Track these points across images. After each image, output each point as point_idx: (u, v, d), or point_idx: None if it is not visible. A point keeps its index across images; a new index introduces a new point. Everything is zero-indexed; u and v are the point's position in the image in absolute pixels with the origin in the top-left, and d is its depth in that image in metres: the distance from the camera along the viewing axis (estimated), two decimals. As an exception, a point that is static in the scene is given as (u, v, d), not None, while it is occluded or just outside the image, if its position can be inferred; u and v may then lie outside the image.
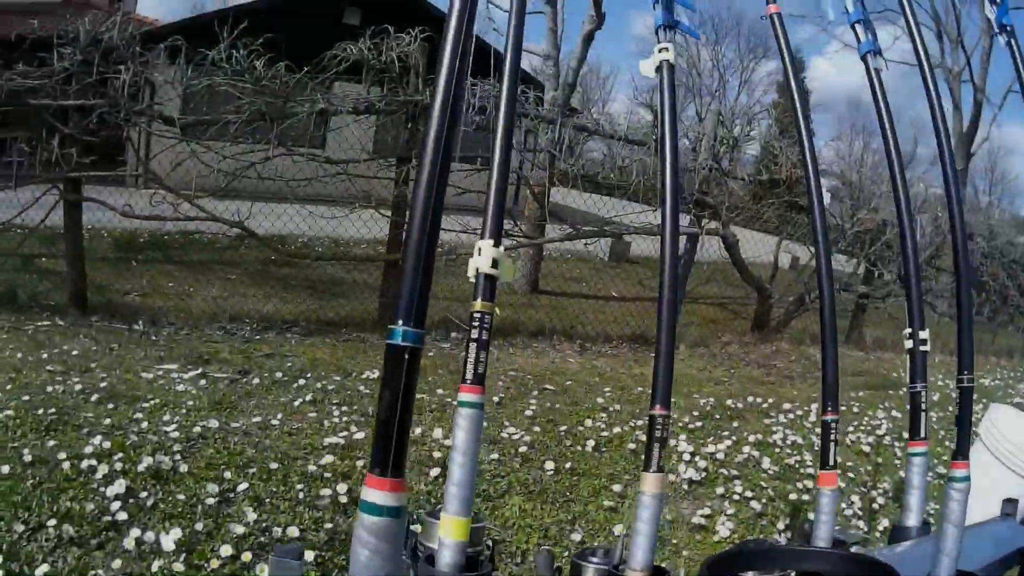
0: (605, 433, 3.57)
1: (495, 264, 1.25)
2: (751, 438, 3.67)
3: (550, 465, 3.14)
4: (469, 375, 1.22)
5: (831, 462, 1.51)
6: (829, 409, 1.91)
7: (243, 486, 2.67)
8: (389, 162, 5.81)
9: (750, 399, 4.37)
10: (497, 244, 1.27)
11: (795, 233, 6.73)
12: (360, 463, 2.98)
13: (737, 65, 39.24)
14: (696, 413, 4.02)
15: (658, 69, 1.57)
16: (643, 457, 1.24)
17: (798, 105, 1.69)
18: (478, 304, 1.25)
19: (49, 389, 3.28)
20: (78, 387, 3.34)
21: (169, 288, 6.03)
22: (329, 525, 2.56)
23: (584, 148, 6.08)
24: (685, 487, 3.09)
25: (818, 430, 3.58)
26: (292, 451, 3.02)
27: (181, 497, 2.54)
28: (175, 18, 16.11)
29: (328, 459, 2.95)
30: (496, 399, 3.96)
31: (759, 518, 2.90)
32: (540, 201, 6.19)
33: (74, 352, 3.88)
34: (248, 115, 5.21)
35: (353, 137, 6.02)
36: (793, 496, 3.08)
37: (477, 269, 1.30)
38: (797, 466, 3.42)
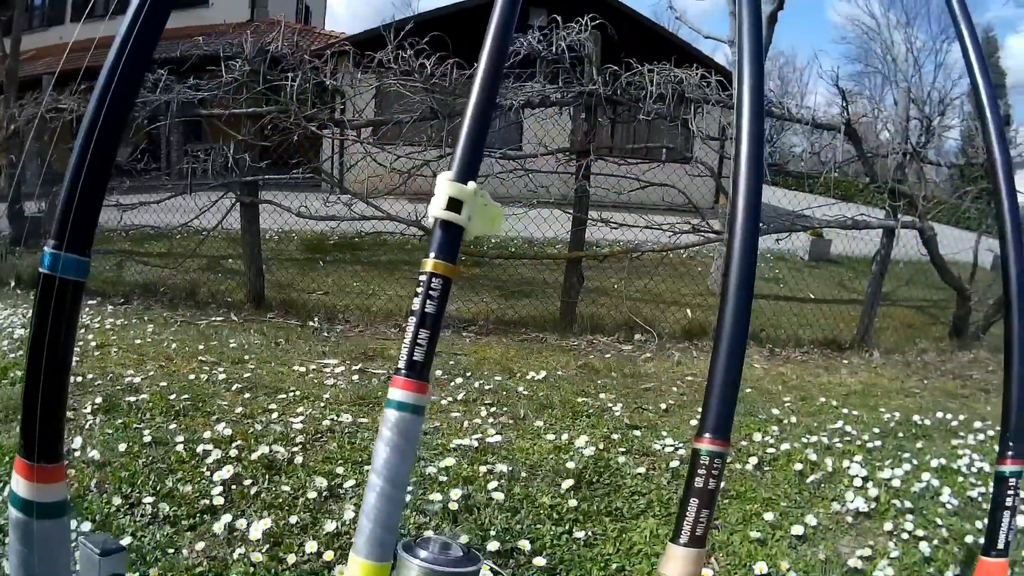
0: (772, 449, 3.11)
1: (454, 206, 0.94)
2: (933, 463, 3.05)
3: (701, 484, 2.73)
4: (403, 363, 0.90)
5: (1001, 544, 1.01)
6: (1010, 455, 1.23)
7: (351, 483, 2.56)
8: (568, 156, 5.65)
9: (939, 415, 3.75)
10: (463, 180, 0.95)
11: (996, 228, 5.78)
12: (483, 468, 2.77)
13: (931, 47, 35.83)
14: (878, 430, 3.45)
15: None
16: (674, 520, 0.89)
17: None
18: (428, 262, 0.94)
19: (192, 377, 3.41)
20: (222, 377, 3.45)
21: (353, 287, 6.22)
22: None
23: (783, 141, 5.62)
24: (849, 519, 2.56)
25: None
26: (419, 451, 2.88)
27: (286, 488, 2.48)
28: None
29: (449, 461, 2.77)
30: (663, 407, 3.63)
31: (926, 564, 2.31)
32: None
33: (232, 344, 4.04)
34: (419, 114, 5.25)
35: (530, 132, 5.95)
36: (970, 539, 2.44)
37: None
38: (980, 500, 2.76)
